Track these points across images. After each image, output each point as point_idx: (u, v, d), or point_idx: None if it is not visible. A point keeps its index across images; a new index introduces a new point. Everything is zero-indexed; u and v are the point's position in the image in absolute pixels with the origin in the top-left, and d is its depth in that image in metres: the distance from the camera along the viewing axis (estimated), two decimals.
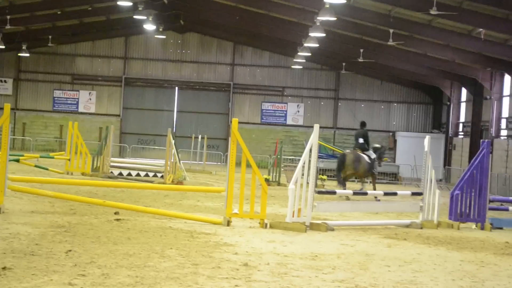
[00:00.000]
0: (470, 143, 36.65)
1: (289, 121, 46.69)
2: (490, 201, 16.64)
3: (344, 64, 43.14)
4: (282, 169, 29.15)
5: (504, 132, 33.61)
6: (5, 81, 46.85)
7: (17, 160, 25.95)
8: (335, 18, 26.62)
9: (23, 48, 43.60)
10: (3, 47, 40.58)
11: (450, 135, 41.76)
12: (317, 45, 32.59)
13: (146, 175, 26.47)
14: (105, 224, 13.05)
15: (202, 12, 40.55)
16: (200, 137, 36.97)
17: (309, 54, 37.77)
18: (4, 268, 8.49)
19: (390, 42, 30.31)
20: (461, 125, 40.88)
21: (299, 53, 38.30)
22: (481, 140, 18.69)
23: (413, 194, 17.45)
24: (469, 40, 29.69)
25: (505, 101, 33.76)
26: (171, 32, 46.59)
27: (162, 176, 25.41)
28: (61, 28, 43.65)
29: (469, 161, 27.99)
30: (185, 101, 47.16)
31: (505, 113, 33.66)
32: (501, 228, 16.20)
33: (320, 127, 15.00)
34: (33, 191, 15.40)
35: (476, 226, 16.17)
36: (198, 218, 14.51)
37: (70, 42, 46.95)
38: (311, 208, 14.06)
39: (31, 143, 44.95)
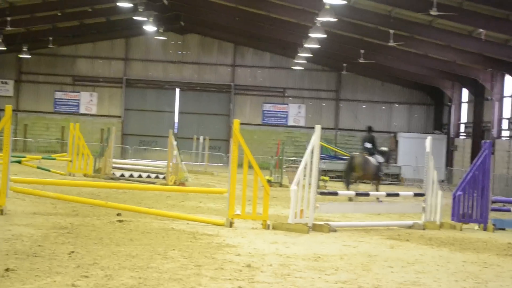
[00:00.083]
0: (472, 144, 36.63)
1: (290, 122, 46.69)
2: (492, 202, 16.63)
3: (345, 65, 43.15)
4: (284, 170, 29.17)
5: (505, 133, 33.58)
6: (6, 83, 46.87)
7: (19, 162, 25.96)
8: (335, 19, 26.64)
9: (23, 49, 43.61)
10: (4, 48, 40.61)
11: (451, 136, 41.74)
12: (317, 46, 32.60)
13: (148, 176, 26.47)
14: (107, 226, 13.05)
15: (203, 13, 40.55)
16: (202, 138, 36.96)
17: (310, 55, 37.79)
18: (7, 270, 8.49)
19: (391, 43, 30.31)
20: (462, 126, 40.86)
21: (299, 54, 38.32)
22: (483, 141, 18.69)
23: (415, 195, 17.44)
24: (470, 41, 29.68)
25: (506, 101, 33.74)
26: (172, 33, 46.60)
27: (164, 178, 25.41)
28: (62, 30, 43.65)
29: (471, 162, 27.97)
30: (186, 102, 47.17)
31: (506, 113, 33.64)
32: (503, 229, 16.18)
33: (322, 128, 14.97)
34: (35, 193, 15.41)
35: (479, 227, 16.15)
36: (200, 220, 14.50)
37: (71, 44, 46.98)
38: (314, 209, 14.06)
39: (32, 144, 44.96)
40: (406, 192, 22.04)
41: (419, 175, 35.87)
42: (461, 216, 16.00)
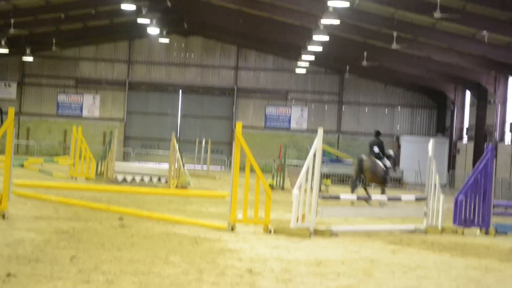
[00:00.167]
0: (474, 148, 36.55)
1: (293, 126, 46.67)
2: (495, 206, 16.59)
3: (348, 67, 43.13)
4: (286, 174, 29.15)
5: (508, 136, 33.51)
6: (9, 85, 46.92)
7: (22, 165, 25.98)
8: (338, 22, 26.64)
9: (27, 52, 43.65)
10: (7, 51, 40.64)
11: (454, 139, 41.68)
12: (320, 48, 32.61)
13: (150, 179, 26.41)
14: (109, 230, 13.06)
15: (206, 16, 40.55)
16: (204, 141, 36.95)
17: (313, 57, 37.81)
18: (8, 275, 8.49)
19: (394, 46, 30.30)
20: (465, 129, 40.79)
21: (302, 57, 38.31)
22: (486, 145, 18.65)
23: (417, 199, 17.42)
24: (473, 43, 29.64)
25: (510, 105, 33.67)
26: (175, 35, 46.64)
27: (166, 181, 25.39)
28: (65, 32, 43.68)
29: (473, 166, 27.94)
30: (189, 105, 47.18)
31: (509, 117, 33.57)
32: (505, 234, 16.16)
33: (324, 132, 14.95)
34: (37, 197, 15.42)
35: (481, 231, 16.12)
36: (202, 224, 14.51)
37: (74, 46, 47.05)
38: (315, 213, 14.05)
39: (35, 147, 45.00)
40: (408, 195, 22.01)
41: (421, 178, 35.85)
42: (463, 220, 15.97)
